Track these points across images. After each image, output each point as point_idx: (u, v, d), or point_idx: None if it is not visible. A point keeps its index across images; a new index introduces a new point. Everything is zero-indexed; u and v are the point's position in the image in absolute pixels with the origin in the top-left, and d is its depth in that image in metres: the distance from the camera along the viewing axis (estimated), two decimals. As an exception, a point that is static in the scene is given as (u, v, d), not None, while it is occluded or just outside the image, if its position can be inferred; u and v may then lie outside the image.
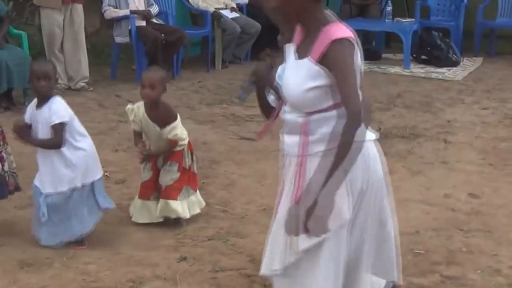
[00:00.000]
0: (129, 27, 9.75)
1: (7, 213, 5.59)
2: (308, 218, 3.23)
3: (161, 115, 5.35)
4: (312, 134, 3.42)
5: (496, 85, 10.29)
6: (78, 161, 5.01)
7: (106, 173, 6.25)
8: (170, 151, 5.41)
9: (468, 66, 11.43)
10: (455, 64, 11.31)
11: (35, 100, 5.08)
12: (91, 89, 9.41)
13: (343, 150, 3.17)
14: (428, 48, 11.41)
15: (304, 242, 3.41)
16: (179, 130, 5.39)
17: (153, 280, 4.66)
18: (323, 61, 3.28)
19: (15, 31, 8.89)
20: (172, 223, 5.48)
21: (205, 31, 10.78)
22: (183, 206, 5.43)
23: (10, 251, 4.98)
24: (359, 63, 3.43)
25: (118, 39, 9.96)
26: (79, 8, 9.28)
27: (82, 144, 5.06)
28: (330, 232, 3.35)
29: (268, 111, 4.25)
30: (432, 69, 11.13)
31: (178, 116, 5.45)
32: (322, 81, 3.31)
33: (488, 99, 9.49)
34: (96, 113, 8.38)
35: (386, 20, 11.55)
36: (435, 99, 9.42)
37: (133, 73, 10.11)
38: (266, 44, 11.48)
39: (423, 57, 11.49)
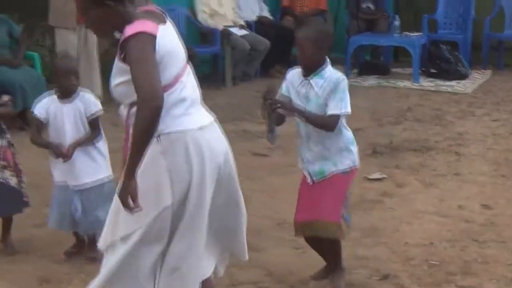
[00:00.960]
0: (139, 47, 9.80)
1: (23, 230, 5.64)
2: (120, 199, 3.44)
3: None
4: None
5: (506, 97, 10.33)
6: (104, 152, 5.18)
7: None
8: None
9: (477, 78, 11.47)
10: (464, 77, 11.35)
11: (52, 97, 5.08)
12: (104, 108, 9.43)
13: (135, 136, 3.34)
14: (437, 62, 11.46)
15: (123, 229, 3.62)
16: None
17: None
18: (124, 58, 3.42)
19: (28, 52, 8.97)
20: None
21: (215, 49, 10.87)
22: None
23: (28, 268, 5.02)
24: (170, 47, 3.55)
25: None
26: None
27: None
28: (151, 218, 3.55)
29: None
30: (441, 82, 11.17)
31: None
32: (126, 76, 3.42)
33: (498, 111, 9.52)
34: (109, 132, 8.40)
35: (394, 35, 11.58)
36: (446, 112, 9.46)
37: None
38: (275, 61, 11.70)
39: (432, 70, 11.53)
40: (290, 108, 4.50)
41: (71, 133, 5.04)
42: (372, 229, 5.72)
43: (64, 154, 5.00)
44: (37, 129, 5.11)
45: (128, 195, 3.40)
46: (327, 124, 4.45)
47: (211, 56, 11.29)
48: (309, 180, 4.62)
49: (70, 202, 5.09)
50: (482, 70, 11.91)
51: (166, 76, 3.50)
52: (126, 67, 3.41)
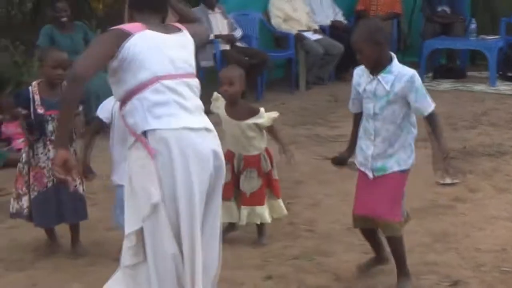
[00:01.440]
0: (214, 51, 9.90)
1: (96, 233, 5.76)
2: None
3: (240, 111, 5.44)
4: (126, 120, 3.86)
5: None
6: None
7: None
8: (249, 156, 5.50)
9: (556, 82, 11.26)
10: (542, 80, 11.16)
11: (111, 99, 5.07)
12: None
13: (60, 106, 3.81)
14: (515, 65, 11.29)
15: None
16: (267, 115, 5.45)
17: (239, 299, 4.74)
18: None
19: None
20: (255, 242, 5.58)
21: (289, 53, 10.90)
22: (268, 211, 5.53)
23: (101, 270, 5.08)
24: (141, 53, 3.74)
25: (203, 63, 10.11)
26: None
27: None
28: (145, 215, 3.72)
29: None
30: (518, 86, 11.00)
31: (261, 109, 5.51)
32: (114, 77, 3.81)
33: None
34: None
35: (470, 38, 11.45)
36: (522, 116, 9.32)
37: (217, 96, 10.26)
38: (349, 65, 11.69)
39: (509, 74, 11.35)
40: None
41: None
42: (443, 235, 5.66)
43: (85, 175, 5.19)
44: (93, 133, 5.21)
45: (59, 165, 3.62)
46: (437, 125, 4.55)
47: (285, 60, 11.30)
48: (370, 176, 4.63)
49: None
50: (562, 74, 11.67)
51: (138, 77, 3.73)
52: (113, 66, 3.73)
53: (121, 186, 5.08)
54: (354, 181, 6.76)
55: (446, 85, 11.16)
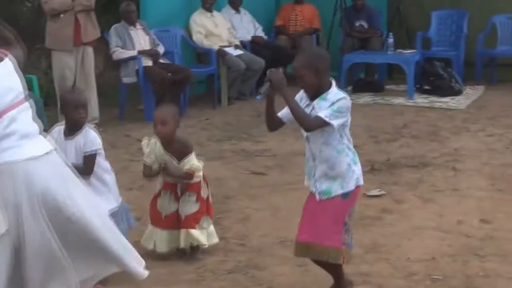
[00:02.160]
0: (136, 67, 9.88)
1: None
2: None
3: (177, 149, 5.45)
4: None
5: (500, 112, 10.39)
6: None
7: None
8: (187, 183, 5.51)
9: (470, 94, 11.55)
10: (458, 93, 11.43)
11: (58, 129, 5.11)
12: (101, 129, 9.48)
13: None
14: (431, 78, 11.53)
15: None
16: (195, 161, 5.49)
17: (177, 315, 4.74)
18: None
19: (25, 75, 8.99)
20: (189, 255, 5.59)
21: (211, 69, 10.94)
22: (203, 235, 5.54)
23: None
24: None
25: (126, 80, 10.09)
26: (90, 50, 9.43)
27: (105, 177, 5.23)
28: None
29: (273, 119, 4.71)
30: (435, 98, 11.23)
31: (192, 152, 5.55)
32: None
33: (492, 126, 9.59)
34: (108, 153, 8.41)
35: (389, 52, 11.69)
36: (441, 128, 9.52)
37: (140, 112, 10.26)
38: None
39: (426, 87, 11.60)
40: (279, 86, 4.49)
41: None
42: (373, 245, 5.76)
43: None
44: None
45: None
46: (306, 120, 4.46)
47: (207, 76, 11.34)
48: (317, 197, 4.64)
49: None
50: (476, 86, 11.99)
51: None
52: None
53: None
54: (282, 195, 6.91)
55: (366, 98, 11.34)
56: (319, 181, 4.62)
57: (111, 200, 5.26)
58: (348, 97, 4.56)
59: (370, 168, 7.55)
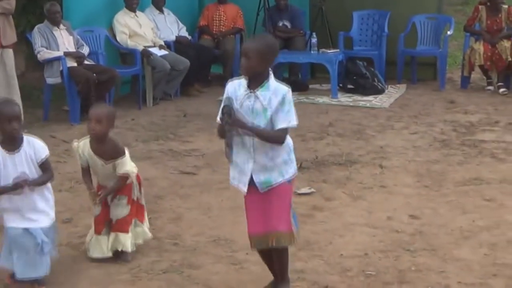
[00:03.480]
0: (61, 68, 9.76)
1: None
2: None
3: (107, 150, 5.42)
4: None
5: (422, 110, 10.60)
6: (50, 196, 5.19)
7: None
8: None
9: (393, 93, 11.74)
10: (380, 91, 11.61)
11: None
12: (26, 131, 9.33)
13: None
14: (354, 77, 11.68)
15: None
16: (128, 165, 5.47)
17: (114, 315, 4.72)
18: None
19: None
20: (119, 257, 5.55)
21: (135, 70, 10.86)
22: (131, 240, 5.54)
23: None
24: None
25: (50, 80, 9.96)
26: (10, 52, 9.26)
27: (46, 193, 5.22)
28: None
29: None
30: (359, 97, 11.39)
31: (127, 151, 5.52)
32: None
33: (415, 124, 9.78)
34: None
35: (312, 52, 11.79)
36: (366, 126, 9.66)
37: (65, 113, 10.14)
38: (194, 80, 11.79)
39: (349, 86, 11.75)
40: (247, 128, 4.54)
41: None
42: (306, 243, 5.82)
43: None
44: None
45: None
46: (278, 138, 4.56)
47: (131, 77, 11.27)
48: (244, 190, 4.68)
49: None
50: (397, 85, 12.18)
51: None
52: None
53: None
54: (213, 194, 6.94)
55: (290, 98, 11.38)
56: (257, 173, 4.64)
57: (50, 215, 5.19)
58: (289, 89, 4.61)
59: (298, 166, 7.55)
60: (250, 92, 4.57)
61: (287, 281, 4.91)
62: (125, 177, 5.45)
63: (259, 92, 4.54)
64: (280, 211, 4.65)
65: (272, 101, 4.53)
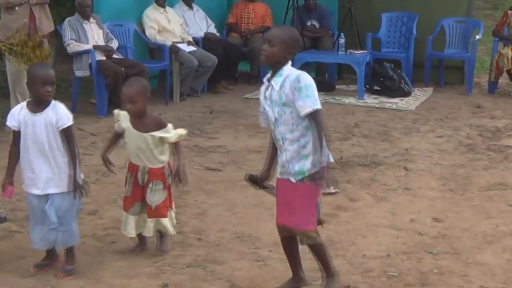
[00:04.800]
0: (90, 61, 9.84)
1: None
2: None
3: (147, 124, 5.42)
4: None
5: (448, 113, 10.59)
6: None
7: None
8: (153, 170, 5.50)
9: (419, 96, 11.74)
10: (407, 94, 11.61)
11: (21, 105, 5.06)
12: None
13: None
14: (381, 79, 11.69)
15: None
16: (179, 130, 5.55)
17: (137, 307, 4.77)
18: None
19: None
20: (157, 247, 5.63)
21: (163, 65, 10.93)
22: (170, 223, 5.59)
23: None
24: None
25: (78, 73, 10.05)
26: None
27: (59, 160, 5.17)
28: None
29: None
30: (385, 99, 11.40)
31: (169, 124, 5.53)
32: None
33: (441, 127, 9.77)
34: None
35: (340, 52, 11.81)
36: (391, 128, 9.67)
37: (92, 106, 10.23)
38: (221, 77, 11.84)
39: (376, 87, 11.76)
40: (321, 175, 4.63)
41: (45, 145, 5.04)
42: (329, 242, 5.83)
43: None
44: (14, 144, 5.10)
45: None
46: (318, 125, 4.54)
47: (159, 72, 11.33)
48: (293, 180, 4.66)
49: (44, 214, 5.11)
50: (424, 88, 12.18)
51: None
52: None
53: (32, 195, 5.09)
54: (238, 191, 6.98)
55: (317, 98, 11.40)
56: (291, 162, 4.65)
57: (59, 184, 5.15)
58: (305, 72, 4.58)
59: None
60: (269, 83, 4.62)
61: (332, 275, 4.92)
62: (178, 144, 5.53)
63: (273, 80, 4.59)
64: (304, 209, 4.69)
65: (285, 85, 4.53)
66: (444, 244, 5.87)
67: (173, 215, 5.72)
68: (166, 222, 5.53)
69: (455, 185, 7.36)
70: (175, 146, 5.51)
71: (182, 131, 5.56)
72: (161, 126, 5.45)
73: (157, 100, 10.81)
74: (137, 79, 5.77)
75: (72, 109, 9.99)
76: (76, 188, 5.09)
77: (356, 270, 5.36)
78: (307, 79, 4.54)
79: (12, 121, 5.05)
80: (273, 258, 5.45)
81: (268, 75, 4.69)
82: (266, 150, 5.03)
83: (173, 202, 5.75)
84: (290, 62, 4.62)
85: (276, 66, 4.61)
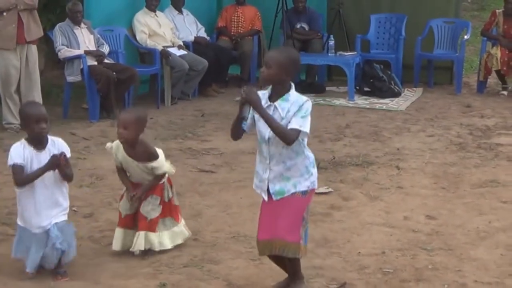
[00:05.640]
0: (81, 66, 9.87)
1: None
2: None
3: (138, 153, 5.49)
4: None
5: (438, 113, 10.66)
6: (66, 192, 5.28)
7: (73, 208, 6.41)
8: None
9: (409, 96, 11.80)
10: (397, 94, 11.68)
11: (22, 143, 5.12)
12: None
13: None
14: (371, 80, 11.77)
15: None
16: (165, 166, 5.58)
17: (136, 307, 4.80)
18: None
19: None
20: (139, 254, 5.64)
21: (154, 69, 10.97)
22: (161, 238, 5.61)
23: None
24: None
25: (70, 78, 10.08)
26: (33, 48, 9.37)
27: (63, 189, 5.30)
28: None
29: (240, 129, 4.75)
30: (375, 100, 11.47)
31: (161, 153, 5.60)
32: None
33: (432, 127, 9.85)
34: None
35: (329, 54, 11.87)
36: (382, 128, 9.73)
37: (84, 111, 10.26)
38: (211, 80, 11.88)
39: (366, 89, 11.83)
40: (258, 107, 4.56)
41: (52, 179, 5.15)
42: (324, 240, 5.90)
43: None
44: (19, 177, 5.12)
45: None
46: (287, 135, 4.57)
47: (150, 76, 11.38)
48: (265, 198, 4.75)
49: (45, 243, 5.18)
50: (414, 88, 12.25)
51: None
52: None
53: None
54: (232, 192, 7.03)
55: (307, 99, 11.46)
56: (272, 182, 4.71)
57: (65, 211, 5.28)
58: (310, 100, 4.67)
59: (316, 166, 7.67)
60: (270, 104, 4.64)
61: (301, 278, 4.97)
62: (160, 177, 5.56)
63: (279, 103, 4.61)
64: (289, 221, 4.69)
65: (291, 111, 4.58)
66: (438, 241, 5.93)
67: (183, 228, 5.82)
68: (154, 237, 5.57)
69: (447, 183, 7.42)
70: (155, 176, 5.55)
71: (170, 170, 5.65)
72: (152, 157, 5.53)
73: (148, 104, 10.87)
74: (138, 109, 5.91)
75: (64, 115, 10.12)
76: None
77: (352, 267, 5.41)
78: (310, 107, 4.62)
79: (17, 158, 5.08)
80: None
81: (266, 93, 4.70)
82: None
83: (179, 215, 5.83)
84: (293, 87, 4.66)
85: (277, 88, 4.63)
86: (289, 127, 4.57)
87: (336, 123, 10.02)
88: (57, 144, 5.17)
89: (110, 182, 7.14)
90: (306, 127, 4.60)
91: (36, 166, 5.07)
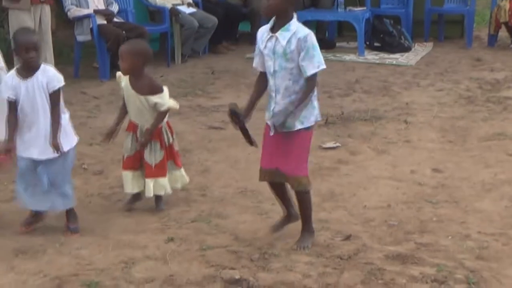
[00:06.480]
0: (90, 26, 9.91)
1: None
2: None
3: (143, 86, 5.50)
4: None
5: (448, 67, 10.66)
6: (65, 124, 5.22)
7: (83, 166, 6.50)
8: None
9: (419, 51, 11.81)
10: (407, 49, 11.69)
11: (11, 73, 5.13)
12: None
13: None
14: (381, 35, 11.77)
15: None
16: (168, 101, 5.56)
17: (144, 261, 4.86)
18: None
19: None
20: (156, 205, 5.74)
21: (164, 27, 10.99)
22: (170, 181, 5.69)
23: (2, 241, 5.14)
24: None
25: (80, 38, 10.12)
26: (47, 8, 9.40)
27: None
28: None
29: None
30: (385, 55, 11.49)
31: (166, 88, 5.61)
32: None
33: (441, 81, 9.86)
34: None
35: (339, 10, 11.85)
36: (392, 83, 9.76)
37: (95, 70, 10.32)
38: (222, 37, 11.86)
39: (376, 44, 11.84)
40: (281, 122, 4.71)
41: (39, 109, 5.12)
42: (331, 194, 5.96)
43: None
44: (11, 112, 5.13)
45: None
46: (308, 90, 4.66)
47: (160, 34, 11.40)
48: (272, 132, 4.81)
49: (36, 177, 5.22)
50: (424, 43, 12.26)
51: None
52: None
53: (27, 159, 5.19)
54: (240, 148, 7.07)
55: (317, 55, 11.47)
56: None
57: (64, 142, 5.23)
58: (312, 33, 4.69)
59: (324, 122, 7.74)
60: (272, 35, 4.68)
61: (309, 230, 5.06)
62: (164, 113, 5.55)
63: (280, 33, 4.64)
64: (297, 157, 4.81)
65: (292, 41, 4.61)
66: (443, 194, 5.98)
67: (183, 172, 5.84)
68: (164, 181, 5.64)
69: (454, 137, 7.45)
70: (159, 113, 5.56)
71: (174, 105, 5.64)
72: (156, 90, 5.54)
73: (159, 62, 10.89)
74: (136, 40, 5.87)
75: (75, 74, 10.18)
76: (56, 148, 5.13)
77: (357, 220, 5.47)
78: (315, 40, 4.66)
79: (8, 92, 5.09)
80: (275, 211, 5.53)
81: (268, 25, 4.74)
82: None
83: (180, 160, 5.85)
84: (295, 17, 4.69)
85: (279, 19, 4.66)
86: (306, 74, 4.63)
87: (345, 78, 10.05)
88: (46, 73, 5.08)
89: (120, 140, 7.16)
90: (320, 63, 4.67)
91: (23, 94, 5.03)
